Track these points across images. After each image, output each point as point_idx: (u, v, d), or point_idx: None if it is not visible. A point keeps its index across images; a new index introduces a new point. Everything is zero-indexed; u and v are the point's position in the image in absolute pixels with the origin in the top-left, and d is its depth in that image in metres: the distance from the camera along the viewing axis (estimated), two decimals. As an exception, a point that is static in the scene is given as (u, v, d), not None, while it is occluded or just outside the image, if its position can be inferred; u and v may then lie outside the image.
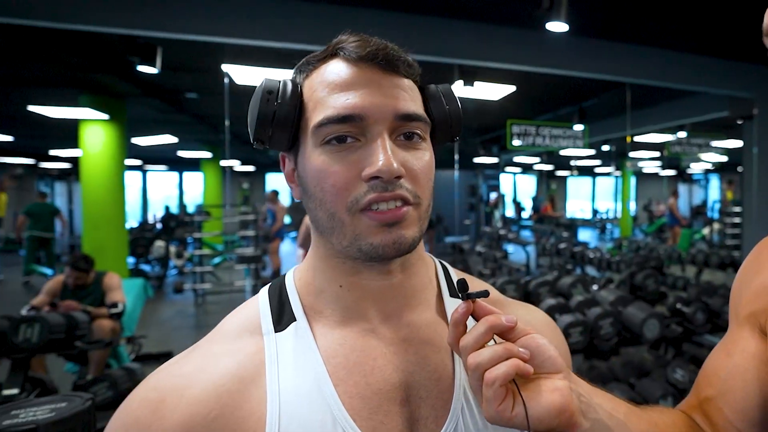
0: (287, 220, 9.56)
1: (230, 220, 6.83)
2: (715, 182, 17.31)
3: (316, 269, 0.56)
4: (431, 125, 0.55)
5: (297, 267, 0.60)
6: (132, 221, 12.04)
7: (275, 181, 16.69)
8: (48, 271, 7.61)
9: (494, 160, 10.59)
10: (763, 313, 0.61)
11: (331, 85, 0.50)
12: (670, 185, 14.50)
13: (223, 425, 0.47)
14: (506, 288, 3.24)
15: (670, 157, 8.17)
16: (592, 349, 2.73)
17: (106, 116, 5.79)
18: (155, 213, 14.77)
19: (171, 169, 16.16)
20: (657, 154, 10.80)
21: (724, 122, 6.31)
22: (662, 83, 4.61)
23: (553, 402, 0.45)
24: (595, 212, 17.31)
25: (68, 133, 6.49)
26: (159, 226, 11.19)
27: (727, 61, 4.65)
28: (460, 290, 0.49)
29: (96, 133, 5.98)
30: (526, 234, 12.69)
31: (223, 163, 11.11)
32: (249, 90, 0.54)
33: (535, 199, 15.90)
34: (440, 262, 0.63)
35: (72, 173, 12.23)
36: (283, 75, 0.56)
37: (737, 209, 8.24)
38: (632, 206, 15.14)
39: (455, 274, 0.62)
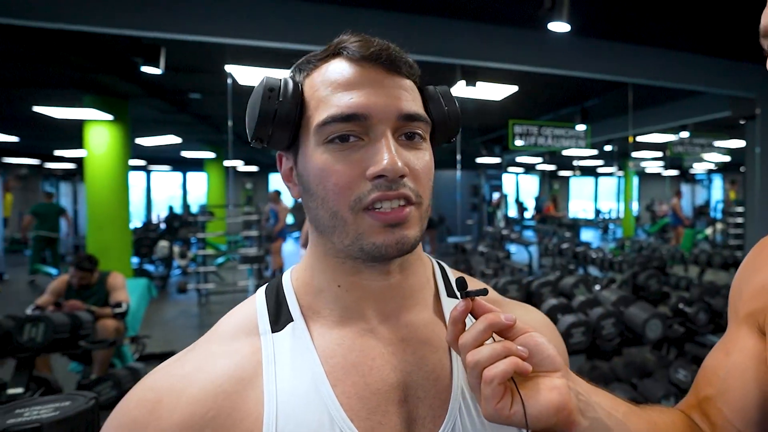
0: (290, 220, 9.58)
1: (233, 221, 6.85)
2: (718, 182, 17.24)
3: (314, 269, 0.56)
4: (431, 126, 0.55)
5: (294, 267, 0.60)
6: (136, 221, 12.09)
7: (278, 182, 16.69)
8: (53, 270, 7.65)
9: (497, 160, 10.58)
10: (761, 313, 0.60)
11: (335, 84, 0.50)
12: (672, 185, 14.46)
13: (220, 426, 0.47)
14: (509, 288, 3.23)
15: (672, 157, 8.14)
16: (595, 349, 2.73)
17: (110, 117, 5.80)
18: (159, 213, 14.81)
19: (175, 169, 16.19)
20: (659, 154, 10.77)
21: (726, 122, 6.29)
22: (664, 83, 4.60)
23: (551, 400, 0.45)
24: (597, 212, 17.28)
25: (73, 134, 6.51)
26: (163, 226, 11.23)
27: (730, 60, 4.64)
28: (459, 288, 0.49)
29: (100, 134, 6.00)
30: (528, 234, 12.68)
31: (227, 163, 11.14)
32: (252, 90, 0.54)
33: (537, 199, 15.87)
34: (437, 262, 0.63)
35: (76, 173, 12.28)
36: (285, 75, 0.56)
37: (740, 209, 8.22)
38: (635, 206, 15.10)
39: (452, 274, 0.62)
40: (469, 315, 0.49)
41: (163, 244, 8.26)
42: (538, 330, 0.49)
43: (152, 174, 16.09)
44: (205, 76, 5.28)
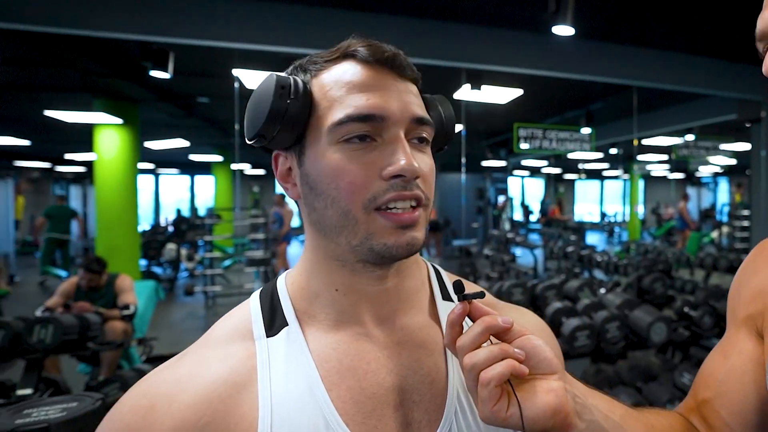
0: (296, 223, 9.60)
1: (240, 223, 6.88)
2: (724, 185, 17.10)
3: (311, 273, 0.55)
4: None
5: (288, 272, 0.60)
6: (144, 224, 12.14)
7: (283, 185, 16.65)
8: (62, 273, 7.70)
9: (502, 163, 10.55)
10: (759, 316, 0.61)
11: (350, 85, 0.50)
12: (678, 188, 14.36)
13: (215, 431, 0.47)
14: (513, 291, 3.22)
15: (678, 160, 8.10)
16: (599, 352, 2.72)
17: (119, 120, 5.85)
18: (167, 216, 14.87)
19: (183, 172, 16.24)
20: (665, 157, 10.72)
21: (732, 125, 6.25)
22: (669, 86, 4.59)
23: (548, 403, 0.45)
24: (603, 215, 17.19)
25: (83, 138, 6.56)
26: (171, 229, 11.27)
27: (735, 63, 4.62)
28: (456, 291, 0.49)
29: (110, 137, 6.05)
30: (533, 237, 12.65)
31: (234, 166, 11.17)
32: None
33: (542, 203, 15.80)
34: (432, 265, 0.64)
35: (87, 177, 12.37)
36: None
37: (746, 212, 8.16)
38: (640, 209, 15.01)
39: (447, 278, 0.62)
40: (466, 318, 0.49)
41: (171, 246, 8.31)
42: (533, 333, 0.49)
43: (160, 177, 16.17)
44: (213, 81, 5.32)
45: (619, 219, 15.69)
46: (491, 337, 0.48)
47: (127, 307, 3.45)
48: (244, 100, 0.55)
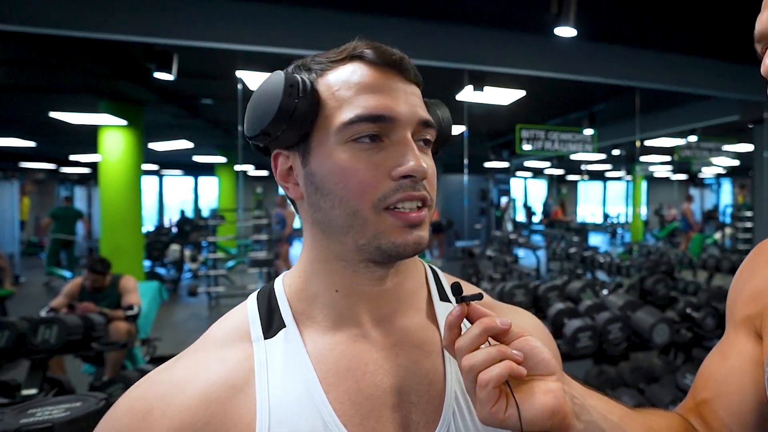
0: (298, 224, 9.60)
1: (244, 224, 6.90)
2: (727, 186, 17.05)
3: (309, 274, 0.55)
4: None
5: (286, 273, 0.59)
6: (148, 225, 12.18)
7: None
8: (67, 273, 7.74)
9: (505, 164, 10.55)
10: (758, 317, 0.61)
11: (358, 86, 0.51)
12: (681, 189, 14.33)
13: None
14: (516, 292, 3.22)
15: (680, 162, 8.09)
16: (601, 353, 2.73)
17: (124, 122, 5.88)
18: (171, 217, 14.90)
19: (186, 173, 16.32)
20: (668, 158, 10.70)
21: (734, 126, 6.24)
22: (672, 87, 4.57)
23: (546, 404, 0.45)
24: (605, 217, 17.16)
25: (88, 139, 6.58)
26: (174, 230, 11.30)
27: (738, 64, 4.60)
28: (454, 293, 0.49)
29: (114, 139, 6.07)
30: (536, 238, 12.64)
31: (237, 167, 11.21)
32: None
33: (545, 204, 15.78)
34: (430, 266, 0.64)
35: (91, 178, 12.43)
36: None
37: (749, 213, 8.14)
38: (643, 211, 14.98)
39: (445, 278, 0.63)
40: (465, 319, 0.49)
41: (175, 247, 8.35)
42: (531, 334, 0.49)
43: (164, 178, 16.24)
44: (217, 82, 5.34)
45: (622, 220, 15.68)
46: (489, 339, 0.48)
47: (131, 307, 3.46)
48: (247, 102, 0.55)
